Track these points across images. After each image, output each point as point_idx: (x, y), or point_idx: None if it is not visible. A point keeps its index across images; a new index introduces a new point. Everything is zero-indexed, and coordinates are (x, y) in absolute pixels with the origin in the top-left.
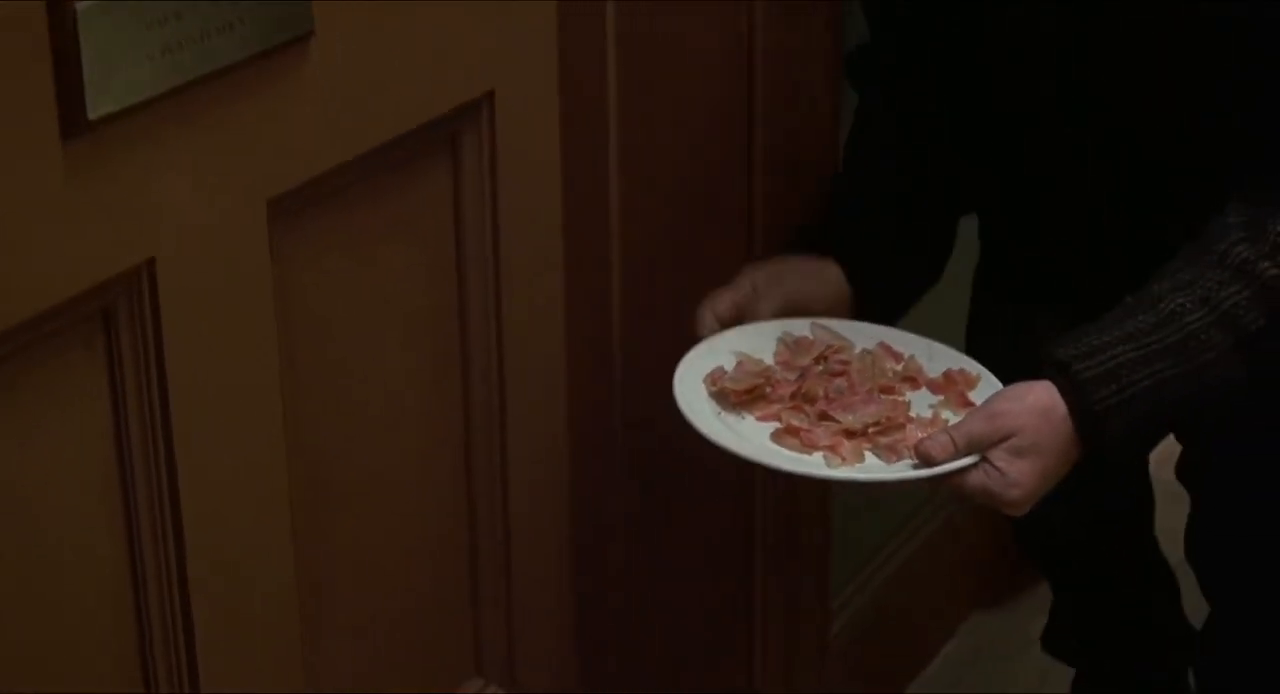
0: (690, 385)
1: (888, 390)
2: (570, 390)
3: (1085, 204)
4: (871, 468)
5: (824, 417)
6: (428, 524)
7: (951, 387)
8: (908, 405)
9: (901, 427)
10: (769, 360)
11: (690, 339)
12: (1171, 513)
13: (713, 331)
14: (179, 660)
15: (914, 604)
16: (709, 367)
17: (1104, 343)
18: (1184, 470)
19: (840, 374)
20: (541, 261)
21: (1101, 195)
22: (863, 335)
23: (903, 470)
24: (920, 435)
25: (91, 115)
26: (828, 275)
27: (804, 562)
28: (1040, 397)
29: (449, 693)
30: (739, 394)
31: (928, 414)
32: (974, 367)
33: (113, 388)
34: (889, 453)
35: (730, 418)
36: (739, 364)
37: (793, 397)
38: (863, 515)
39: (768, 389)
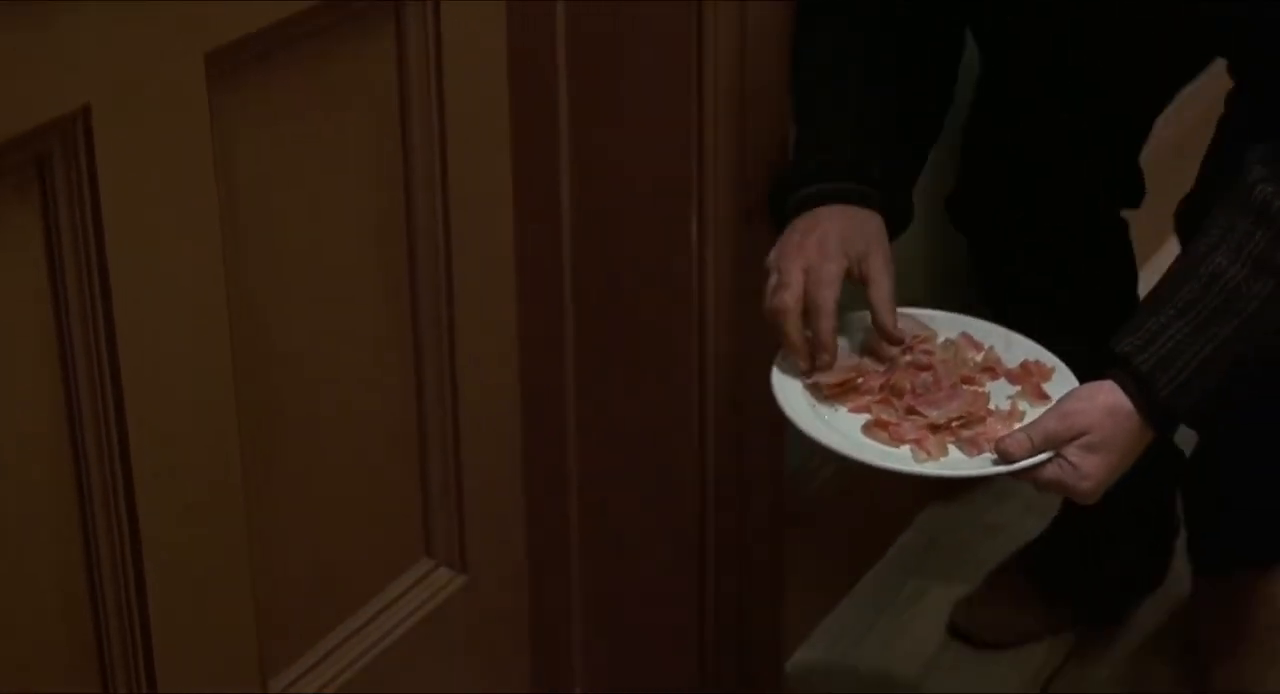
0: (786, 382)
1: (968, 381)
2: (519, 265)
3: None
4: (955, 463)
5: (911, 411)
6: (375, 397)
7: (1028, 378)
8: (987, 398)
9: (982, 419)
10: (857, 350)
11: None
12: None
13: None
14: (121, 537)
15: (870, 495)
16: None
17: (1160, 325)
18: None
19: (926, 367)
20: (488, 128)
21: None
22: (945, 325)
23: (983, 465)
24: (999, 428)
25: None
26: (865, 220)
27: (756, 451)
28: (1108, 397)
29: (398, 575)
30: (832, 388)
31: (1006, 405)
32: (1050, 358)
33: (47, 237)
34: (970, 446)
35: (825, 409)
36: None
37: (881, 389)
38: None
39: (859, 380)
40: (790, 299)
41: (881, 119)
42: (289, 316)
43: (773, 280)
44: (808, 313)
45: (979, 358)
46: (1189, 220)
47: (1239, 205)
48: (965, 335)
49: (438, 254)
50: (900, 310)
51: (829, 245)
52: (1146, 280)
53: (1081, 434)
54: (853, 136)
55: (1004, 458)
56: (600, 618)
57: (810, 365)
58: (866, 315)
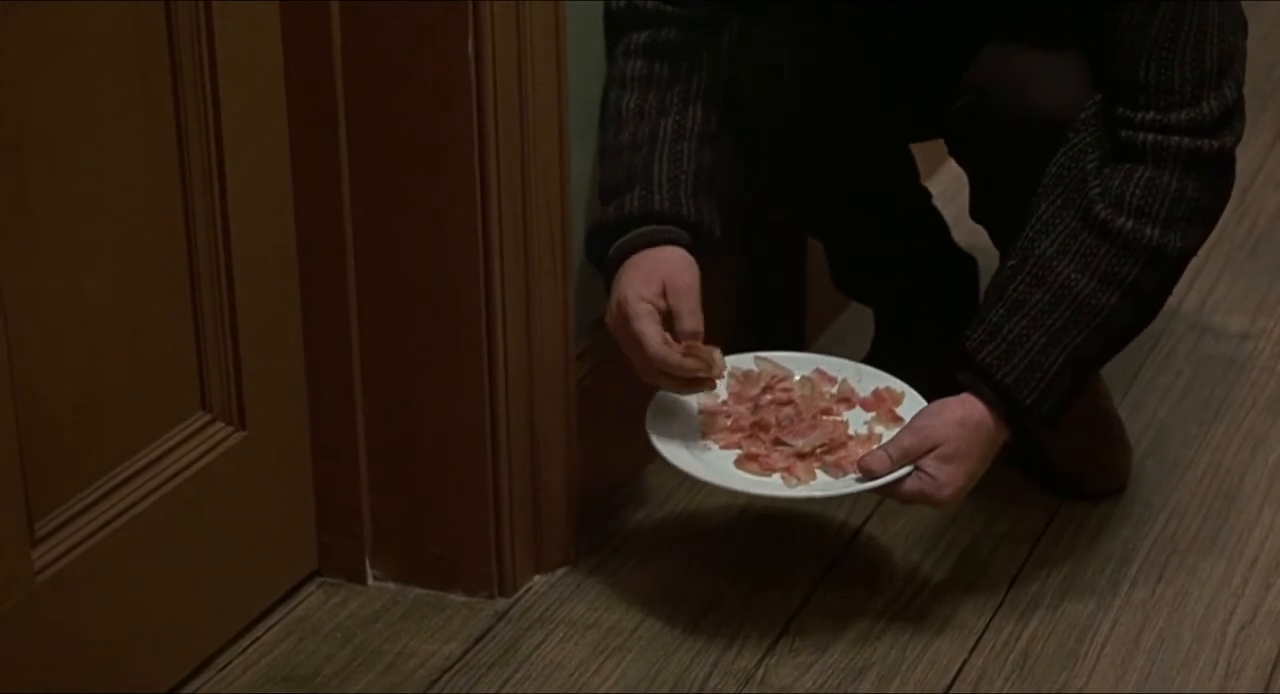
0: (659, 424)
1: (827, 412)
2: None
3: None
4: (824, 485)
5: (778, 442)
6: (144, 243)
7: (881, 404)
8: (846, 425)
9: (844, 444)
10: (723, 393)
11: None
12: None
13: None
14: None
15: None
16: (672, 403)
17: (1016, 336)
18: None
19: (787, 403)
20: None
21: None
22: (799, 364)
23: (849, 485)
24: (860, 450)
25: None
26: (678, 256)
27: (545, 286)
28: (957, 409)
29: (171, 427)
30: (705, 419)
31: (864, 430)
32: (898, 385)
33: None
34: (836, 469)
35: (698, 448)
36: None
37: (751, 426)
38: None
39: (727, 420)
40: (649, 310)
41: (698, 159)
42: (52, 159)
43: (611, 307)
44: (675, 326)
45: (834, 390)
46: (960, 127)
47: (1078, 218)
48: (819, 371)
49: (204, 95)
50: (758, 355)
51: (681, 265)
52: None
53: (936, 447)
54: (669, 181)
55: (867, 475)
56: (387, 473)
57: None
58: (737, 360)
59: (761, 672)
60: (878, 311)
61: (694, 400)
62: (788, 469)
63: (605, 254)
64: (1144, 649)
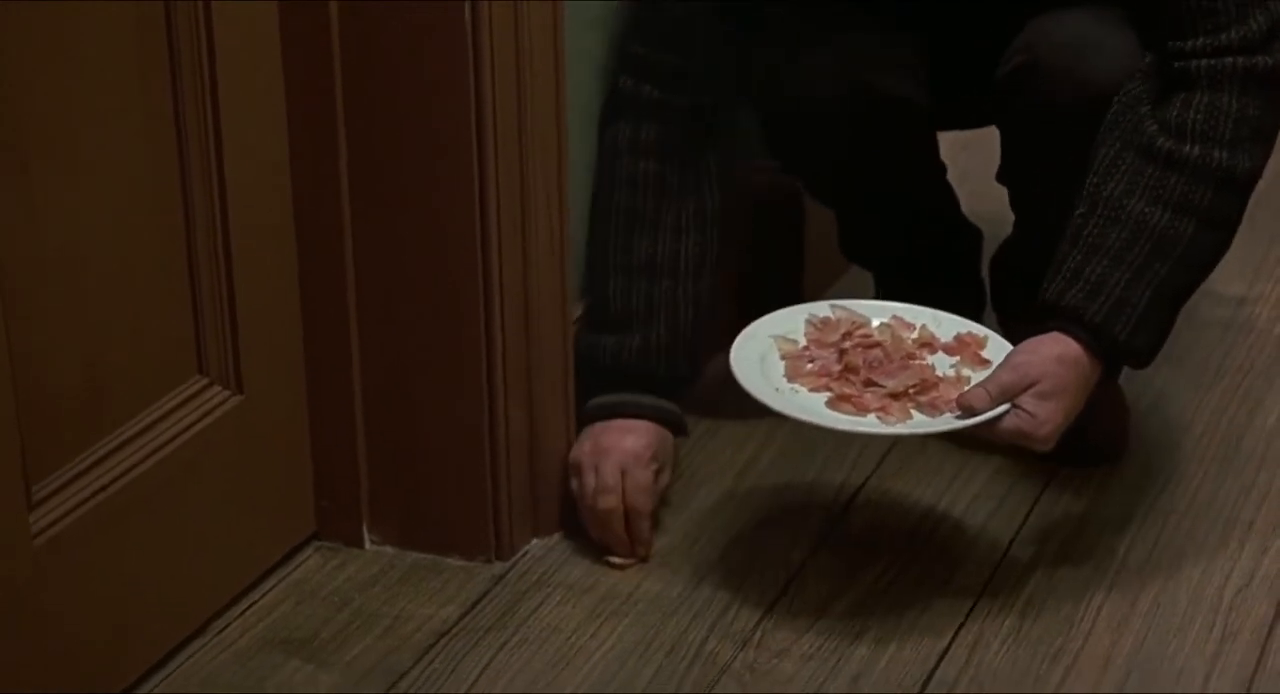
0: (747, 368)
1: (910, 356)
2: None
3: None
4: (922, 422)
5: (869, 383)
6: (141, 209)
7: (965, 348)
8: (933, 367)
9: (935, 385)
10: (801, 340)
11: None
12: None
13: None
14: None
15: None
16: (756, 350)
17: (1100, 275)
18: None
19: (874, 346)
20: None
21: None
22: (875, 312)
23: (948, 422)
24: (951, 392)
25: None
26: (665, 437)
27: (543, 265)
28: (1054, 346)
29: (168, 391)
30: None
31: (951, 373)
32: (980, 329)
33: None
34: (930, 409)
35: (786, 390)
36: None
37: (840, 370)
38: None
39: (809, 364)
40: (615, 501)
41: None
42: (54, 141)
43: (591, 481)
44: (628, 514)
45: (914, 336)
46: (1008, 90)
47: (1141, 156)
48: (896, 317)
49: (203, 77)
50: (834, 303)
51: (643, 454)
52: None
53: (1034, 383)
54: (672, 345)
55: (966, 412)
56: (384, 438)
57: (632, 556)
58: (805, 309)
59: (759, 634)
60: (879, 277)
61: (776, 347)
62: (882, 409)
63: (606, 379)
64: (1140, 613)
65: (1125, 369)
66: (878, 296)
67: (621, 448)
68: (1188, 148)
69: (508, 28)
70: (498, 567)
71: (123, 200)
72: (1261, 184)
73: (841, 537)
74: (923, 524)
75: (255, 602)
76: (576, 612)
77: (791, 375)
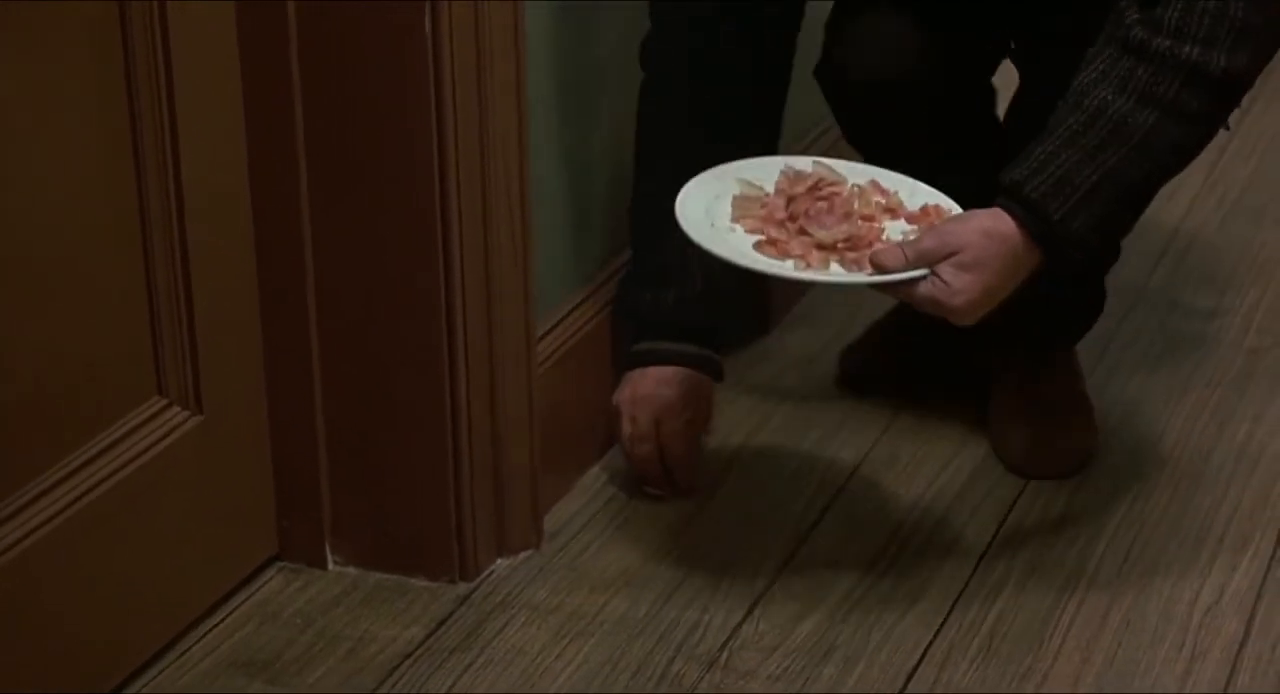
0: (693, 201)
1: (868, 218)
2: (246, 90)
3: None
4: (835, 274)
5: (801, 231)
6: (97, 228)
7: (925, 218)
8: (881, 232)
9: (869, 245)
10: (769, 188)
11: None
12: None
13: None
14: None
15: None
16: (714, 189)
17: (1048, 154)
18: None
19: (823, 198)
20: None
21: None
22: (857, 174)
23: (859, 278)
24: None
25: None
26: (704, 386)
27: (506, 276)
28: (985, 220)
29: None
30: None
31: (898, 239)
32: (949, 203)
33: None
34: (852, 265)
35: (724, 229)
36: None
37: (783, 218)
38: None
39: (760, 209)
40: (649, 448)
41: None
42: (5, 147)
43: (628, 428)
44: (664, 458)
45: (883, 201)
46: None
47: (1118, 47)
48: (873, 182)
49: (158, 84)
50: (816, 159)
51: (676, 403)
52: None
53: (954, 253)
54: (706, 295)
55: (879, 270)
56: (347, 457)
57: (668, 489)
58: (784, 160)
59: (725, 656)
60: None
61: (738, 188)
62: (802, 256)
63: (646, 326)
64: (1110, 630)
65: (1095, 379)
66: None
67: (656, 397)
68: (1158, 40)
69: (468, 28)
70: (462, 587)
71: (76, 216)
72: (1233, 195)
73: (809, 555)
74: (890, 543)
75: (217, 623)
76: (542, 633)
77: (737, 217)
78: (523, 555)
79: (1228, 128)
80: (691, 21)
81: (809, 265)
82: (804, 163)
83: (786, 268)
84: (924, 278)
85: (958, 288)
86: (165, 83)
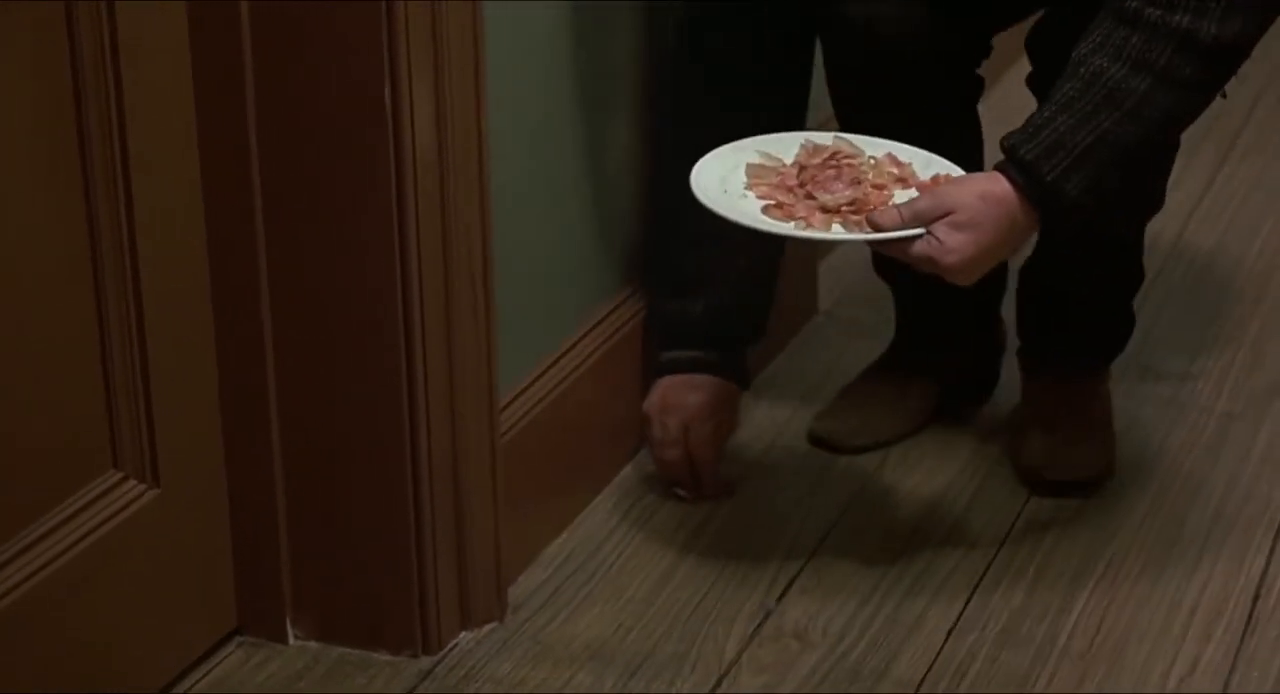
0: (709, 170)
1: (880, 187)
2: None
3: None
4: (834, 233)
5: (809, 196)
6: (50, 296)
7: (934, 186)
8: (890, 197)
9: (873, 210)
10: (789, 159)
11: None
12: None
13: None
14: None
15: (586, 426)
16: (732, 161)
17: (1044, 120)
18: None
19: (833, 167)
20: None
21: None
22: (875, 148)
23: (859, 235)
24: None
25: None
26: (731, 394)
27: (467, 354)
28: (982, 183)
29: (80, 487)
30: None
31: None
32: (958, 171)
33: None
34: (854, 228)
35: (735, 194)
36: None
37: (795, 184)
38: None
39: (774, 177)
40: (677, 454)
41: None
42: None
43: (657, 434)
44: (693, 464)
45: (896, 172)
46: (1040, 41)
47: (1114, 17)
48: (890, 155)
49: (112, 145)
50: (838, 134)
51: (704, 410)
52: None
53: (949, 213)
54: (733, 305)
55: (874, 229)
56: (307, 530)
57: (697, 494)
58: (805, 135)
59: None
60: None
61: (754, 158)
62: (805, 218)
63: (675, 336)
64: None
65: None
66: None
67: (684, 405)
68: (1151, 9)
69: (425, 29)
70: (425, 661)
71: (29, 279)
72: (1202, 260)
73: (778, 625)
74: (858, 614)
75: None
76: None
77: (751, 184)
78: (487, 628)
79: (1224, 95)
80: (710, 47)
81: (812, 227)
82: (825, 138)
83: (787, 227)
84: (920, 236)
85: (951, 246)
86: (116, 99)
